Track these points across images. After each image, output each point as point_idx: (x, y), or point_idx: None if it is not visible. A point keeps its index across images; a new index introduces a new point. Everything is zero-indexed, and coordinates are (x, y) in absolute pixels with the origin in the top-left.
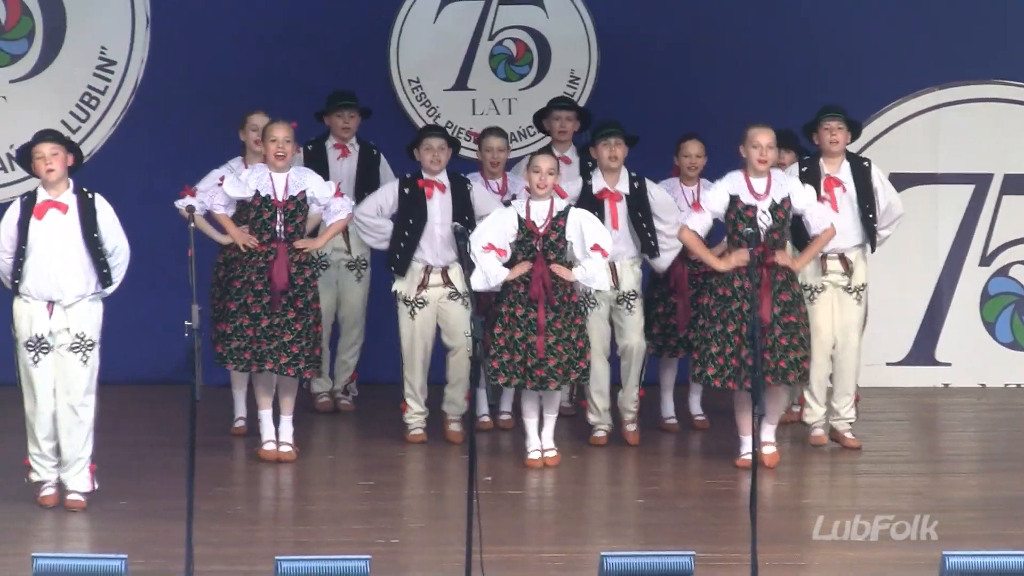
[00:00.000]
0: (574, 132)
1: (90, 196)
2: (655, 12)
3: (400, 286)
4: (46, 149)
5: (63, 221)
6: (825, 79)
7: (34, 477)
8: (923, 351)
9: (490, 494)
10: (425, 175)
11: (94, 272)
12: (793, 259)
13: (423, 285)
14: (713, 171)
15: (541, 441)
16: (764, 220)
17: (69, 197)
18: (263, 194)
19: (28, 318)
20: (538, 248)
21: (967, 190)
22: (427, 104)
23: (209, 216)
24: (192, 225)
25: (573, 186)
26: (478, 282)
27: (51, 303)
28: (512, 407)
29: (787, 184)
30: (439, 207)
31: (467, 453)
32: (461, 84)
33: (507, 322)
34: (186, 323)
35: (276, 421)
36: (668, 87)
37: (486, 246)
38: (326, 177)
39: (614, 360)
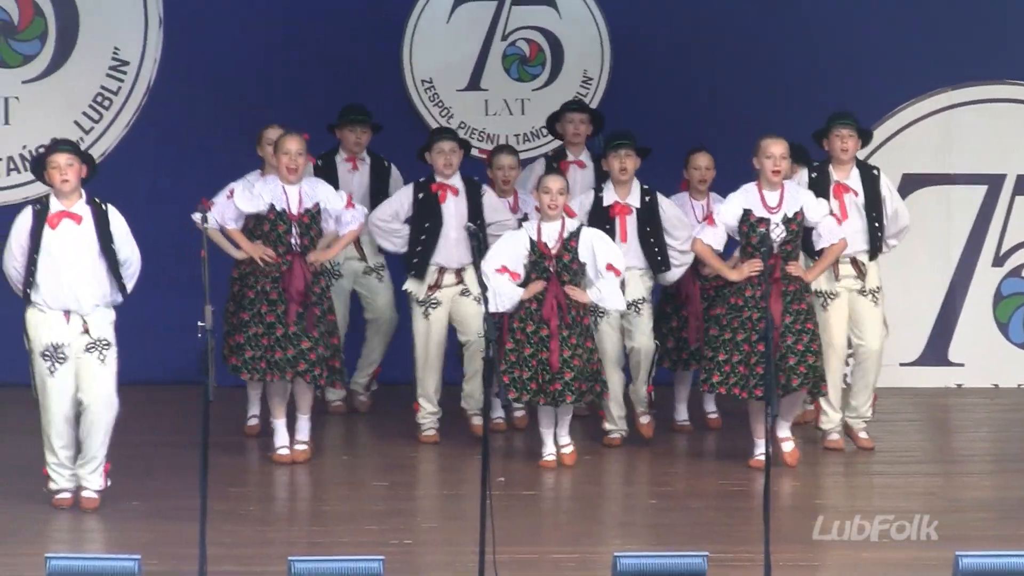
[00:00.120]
0: (587, 136)
1: (104, 207)
2: (667, 14)
3: (411, 285)
4: (61, 159)
5: (78, 232)
6: (838, 80)
7: (52, 487)
8: (936, 352)
9: (503, 495)
10: (438, 179)
11: (109, 282)
12: (805, 271)
13: (436, 286)
14: (724, 178)
15: (557, 441)
16: (777, 233)
17: (83, 208)
18: (278, 208)
19: (46, 327)
20: (551, 269)
21: (980, 191)
22: (440, 104)
23: (223, 230)
24: (206, 226)
25: (586, 200)
26: (493, 304)
27: (67, 312)
28: (526, 404)
29: (800, 197)
30: (453, 211)
31: (480, 454)
32: (474, 84)
33: (519, 338)
34: (199, 323)
35: (291, 427)
36: (680, 89)
37: (499, 268)
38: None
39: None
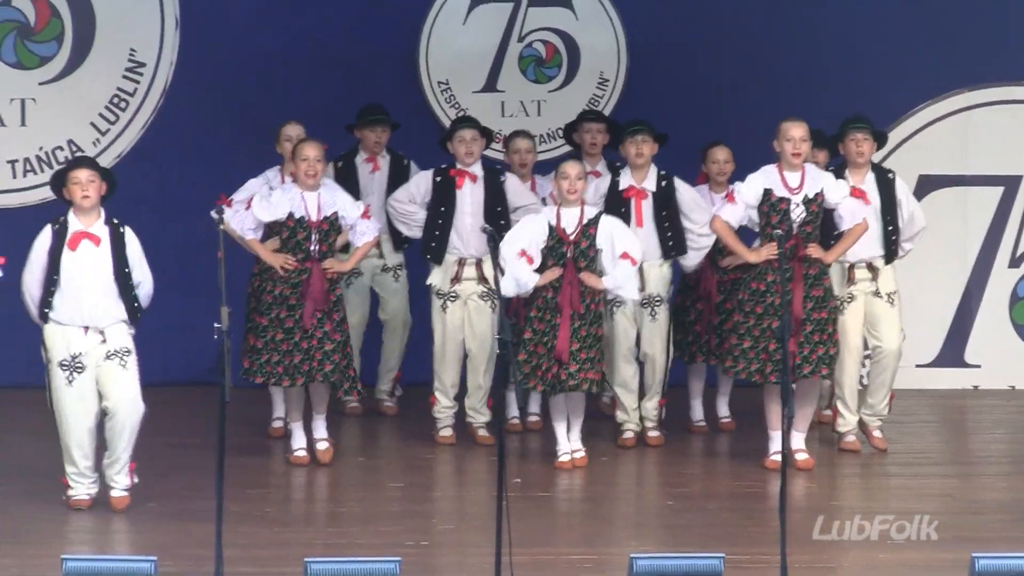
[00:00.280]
0: (604, 145)
1: (121, 229)
2: (684, 16)
3: (435, 279)
4: (83, 175)
5: (95, 253)
6: (854, 82)
7: (72, 494)
8: (952, 353)
9: (519, 496)
10: (459, 166)
11: (123, 304)
12: (825, 253)
13: (456, 278)
14: (741, 177)
15: (570, 445)
16: (797, 213)
17: (101, 228)
18: (297, 215)
19: (64, 340)
20: (568, 255)
21: (996, 192)
22: (456, 106)
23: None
24: (221, 228)
25: (602, 184)
26: (509, 288)
27: (85, 328)
28: (541, 409)
29: (821, 178)
30: (469, 197)
31: (496, 455)
32: (490, 86)
33: (536, 327)
34: (215, 325)
35: (307, 428)
36: (697, 91)
37: (520, 252)
38: (357, 192)
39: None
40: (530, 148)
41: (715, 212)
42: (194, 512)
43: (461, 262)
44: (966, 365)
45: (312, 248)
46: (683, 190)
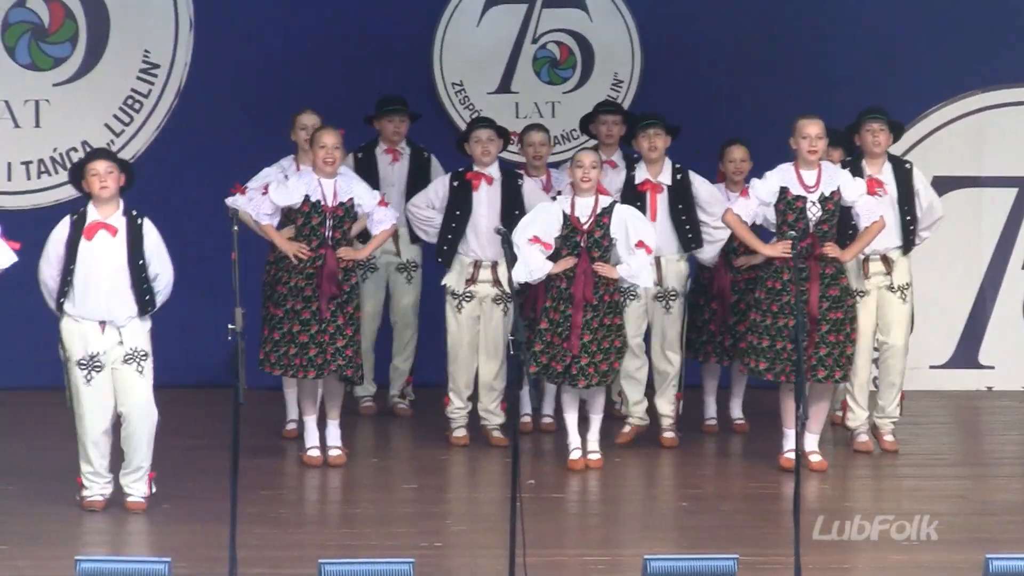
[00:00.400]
0: (620, 136)
1: (139, 221)
2: (698, 15)
3: (450, 280)
4: (101, 167)
5: (112, 244)
6: (869, 82)
7: (86, 495)
8: (966, 354)
9: (533, 497)
10: (475, 167)
11: (137, 295)
12: (842, 251)
13: (472, 280)
14: (758, 176)
15: (585, 440)
16: (813, 212)
17: (119, 219)
18: (313, 199)
19: (81, 337)
20: (582, 244)
21: (1011, 193)
22: (471, 107)
23: (257, 226)
24: (235, 229)
25: (616, 178)
26: (521, 274)
27: (102, 323)
28: (554, 411)
29: (837, 176)
30: (485, 199)
31: (510, 457)
32: (505, 87)
33: (552, 317)
34: (229, 327)
35: (322, 426)
36: (713, 91)
37: (531, 238)
38: (377, 183)
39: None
40: (544, 141)
41: (729, 206)
42: (208, 513)
43: (477, 264)
44: (980, 366)
45: (327, 234)
46: (698, 183)
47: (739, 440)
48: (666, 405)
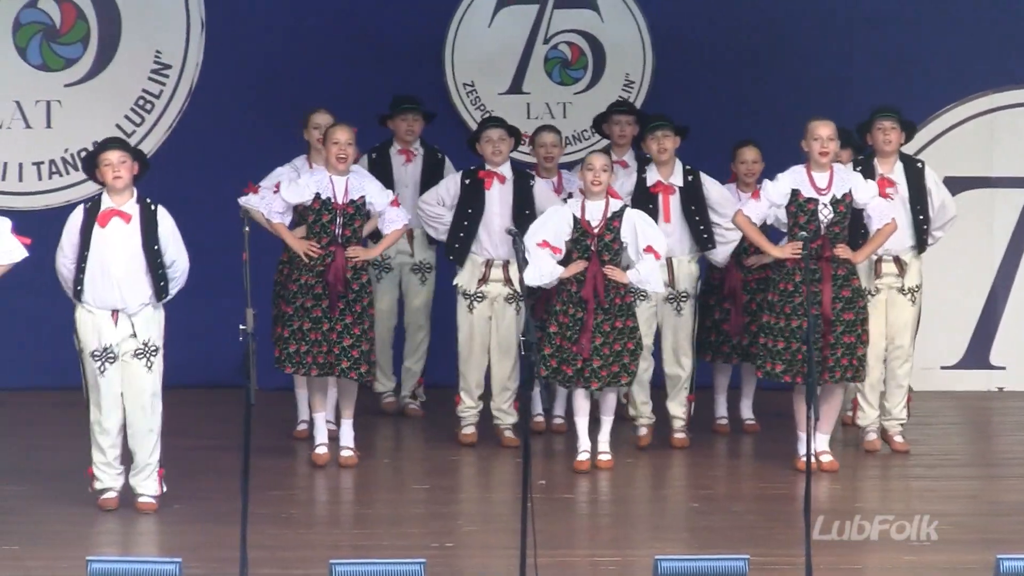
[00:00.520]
0: (633, 137)
1: (153, 208)
2: (710, 15)
3: (461, 279)
4: (114, 156)
5: (125, 230)
6: (880, 83)
7: (98, 485)
8: (977, 355)
9: (544, 498)
10: (487, 167)
11: (150, 283)
12: (853, 252)
13: (483, 279)
14: (770, 175)
15: (596, 441)
16: (825, 214)
17: (132, 207)
18: (323, 196)
19: (94, 328)
20: (592, 248)
21: (1022, 193)
22: (482, 108)
23: (269, 223)
24: (246, 229)
25: (628, 181)
26: (532, 278)
27: (115, 312)
28: (565, 412)
29: (849, 179)
30: (498, 197)
31: (521, 457)
32: (516, 88)
33: (562, 321)
34: (240, 327)
35: (336, 424)
36: (724, 91)
37: (541, 242)
38: (391, 184)
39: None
40: (556, 143)
41: (739, 207)
42: (219, 514)
43: (488, 263)
44: (991, 367)
45: (337, 231)
46: (709, 185)
47: (750, 441)
48: (678, 408)
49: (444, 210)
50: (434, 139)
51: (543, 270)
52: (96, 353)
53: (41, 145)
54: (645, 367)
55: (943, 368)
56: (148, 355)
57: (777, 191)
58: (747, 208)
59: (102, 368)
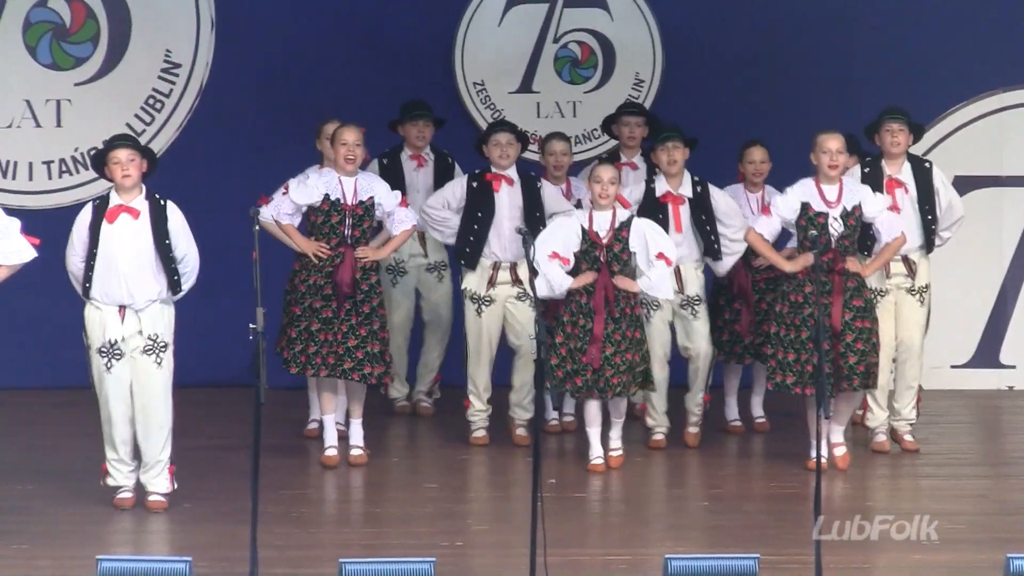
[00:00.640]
0: (642, 138)
1: (162, 203)
2: (720, 15)
3: (469, 283)
4: (123, 155)
5: (134, 226)
6: (888, 83)
7: (111, 482)
8: (988, 354)
9: (554, 497)
10: (494, 170)
11: (163, 278)
12: (862, 266)
13: (491, 282)
14: (778, 176)
15: (608, 443)
16: (835, 227)
17: (141, 203)
18: (332, 197)
19: (100, 324)
20: (602, 259)
21: None
22: (492, 107)
23: (277, 225)
24: (257, 228)
25: (636, 189)
26: (542, 289)
27: (122, 308)
28: (576, 409)
29: (859, 192)
30: (507, 201)
31: (531, 456)
32: (526, 87)
33: (569, 331)
34: (250, 326)
35: (345, 424)
36: (734, 91)
37: (551, 254)
38: (403, 189)
39: (675, 363)
40: (566, 151)
41: (750, 224)
42: (229, 513)
43: (496, 266)
44: (1001, 366)
45: (346, 232)
46: (717, 197)
47: (761, 440)
48: (694, 403)
49: (450, 213)
50: (443, 139)
51: (553, 282)
52: (103, 349)
53: (51, 144)
54: (664, 377)
55: (953, 367)
56: (157, 351)
57: (787, 206)
58: (759, 226)
59: (109, 364)
